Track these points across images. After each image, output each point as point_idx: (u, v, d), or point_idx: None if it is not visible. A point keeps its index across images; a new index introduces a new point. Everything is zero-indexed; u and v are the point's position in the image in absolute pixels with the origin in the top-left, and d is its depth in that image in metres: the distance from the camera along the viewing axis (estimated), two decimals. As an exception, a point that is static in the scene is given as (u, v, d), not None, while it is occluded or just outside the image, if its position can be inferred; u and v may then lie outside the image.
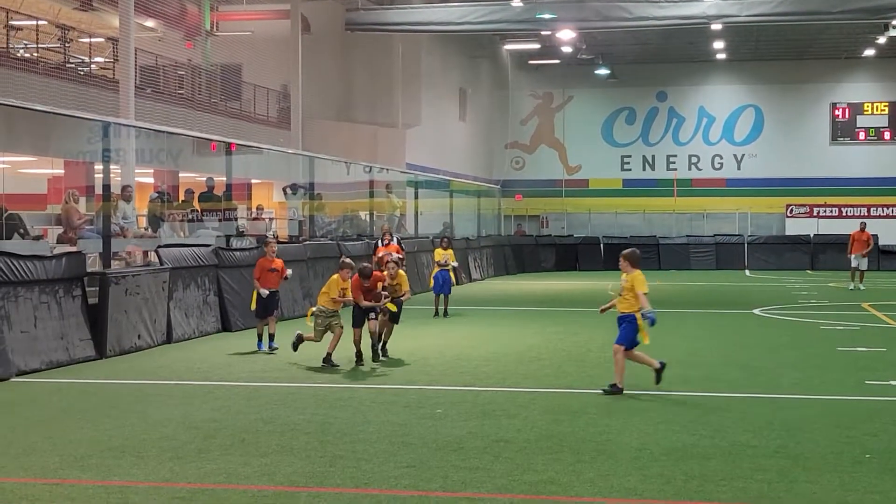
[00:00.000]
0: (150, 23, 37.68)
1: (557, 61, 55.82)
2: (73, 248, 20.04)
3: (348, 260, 17.43)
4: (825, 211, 55.13)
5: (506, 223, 57.63)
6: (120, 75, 30.37)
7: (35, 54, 30.70)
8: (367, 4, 44.31)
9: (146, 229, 26.06)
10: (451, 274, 25.83)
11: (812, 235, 51.67)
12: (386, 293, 17.00)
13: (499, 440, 10.78)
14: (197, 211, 28.13)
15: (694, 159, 59.50)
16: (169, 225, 27.11)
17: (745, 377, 15.50)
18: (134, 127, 26.28)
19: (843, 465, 9.81)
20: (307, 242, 27.83)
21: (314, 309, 17.19)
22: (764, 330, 22.67)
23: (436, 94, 49.02)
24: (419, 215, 40.43)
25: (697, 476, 9.35)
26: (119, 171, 27.74)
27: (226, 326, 21.95)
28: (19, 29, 30.80)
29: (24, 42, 30.88)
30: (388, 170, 38.62)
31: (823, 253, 49.61)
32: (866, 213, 52.12)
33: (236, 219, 27.46)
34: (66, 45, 31.88)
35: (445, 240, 26.83)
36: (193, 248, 22.14)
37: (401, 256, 22.14)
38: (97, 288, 17.94)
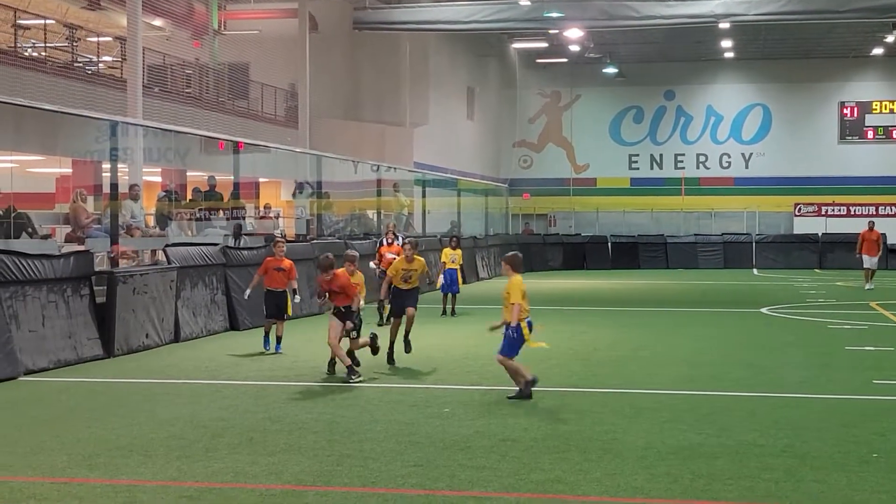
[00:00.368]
0: (157, 22, 37.68)
1: (565, 60, 55.81)
2: (81, 247, 20.07)
3: (351, 252, 16.72)
4: (833, 210, 55.08)
5: (513, 222, 57.61)
6: (128, 74, 30.39)
7: (43, 53, 30.72)
8: (374, 3, 44.33)
9: (154, 228, 26.08)
10: (459, 273, 25.84)
11: (820, 234, 51.64)
12: (355, 306, 15.39)
13: (506, 439, 10.79)
14: (205, 210, 28.17)
15: (702, 158, 59.44)
16: (177, 224, 27.15)
17: (752, 376, 15.49)
18: (142, 126, 26.31)
19: (851, 464, 9.80)
20: (314, 241, 27.84)
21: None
22: (771, 329, 22.66)
23: (443, 93, 49.03)
24: (427, 214, 40.41)
25: (704, 475, 9.34)
26: (127, 170, 27.78)
27: (233, 325, 21.98)
28: (27, 28, 30.80)
29: (32, 41, 30.89)
30: (395, 168, 38.61)
31: (831, 252, 49.58)
32: (874, 212, 52.11)
33: (244, 217, 27.50)
34: (74, 44, 31.89)
35: (454, 239, 26.82)
36: (201, 246, 22.17)
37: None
38: (105, 287, 17.97)
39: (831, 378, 15.36)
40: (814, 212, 55.37)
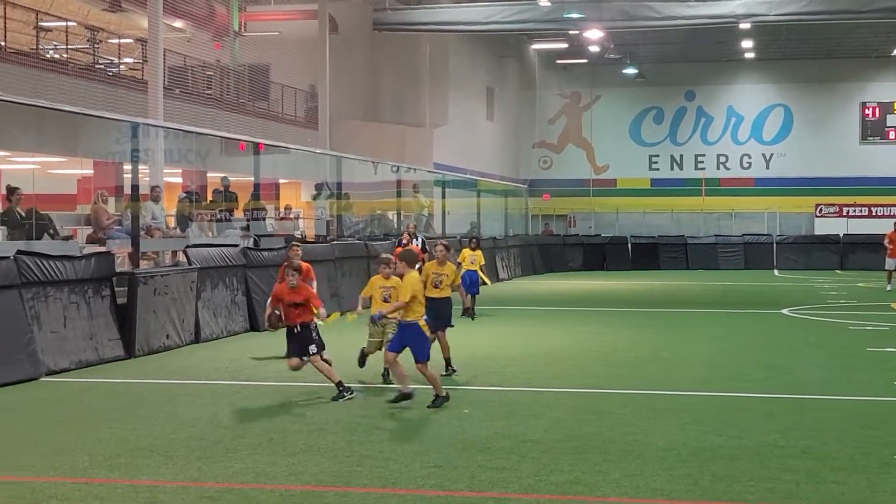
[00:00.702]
0: (178, 23, 37.83)
1: (585, 61, 55.75)
2: (102, 249, 20.14)
3: (385, 255, 15.00)
4: (855, 210, 54.87)
5: (533, 223, 57.54)
6: (149, 76, 30.51)
7: (64, 55, 30.86)
8: (394, 4, 44.38)
9: (174, 229, 26.15)
10: (480, 274, 25.79)
11: (841, 235, 51.38)
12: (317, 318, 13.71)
13: (525, 440, 10.78)
14: (225, 211, 28.25)
15: (722, 159, 59.29)
16: (197, 225, 27.23)
17: (773, 377, 15.44)
18: (162, 127, 26.40)
19: (871, 465, 9.76)
20: (335, 242, 27.88)
21: (356, 314, 15.08)
22: (792, 330, 22.58)
23: (463, 94, 49.04)
24: (446, 215, 40.42)
25: (725, 476, 9.32)
26: (148, 171, 27.88)
27: (254, 326, 22.00)
28: (49, 30, 30.97)
29: (54, 43, 31.05)
30: (415, 169, 38.63)
31: (853, 253, 49.35)
32: (896, 213, 51.94)
33: (264, 218, 27.54)
34: (95, 46, 32.03)
35: (474, 240, 26.78)
36: (221, 247, 22.22)
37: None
38: (126, 288, 18.04)
39: (852, 379, 15.30)
40: (835, 213, 55.15)
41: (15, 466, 9.80)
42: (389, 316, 13.57)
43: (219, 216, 28.17)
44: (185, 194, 28.95)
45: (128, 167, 22.14)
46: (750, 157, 58.98)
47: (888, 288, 33.86)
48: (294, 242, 20.00)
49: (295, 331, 13.45)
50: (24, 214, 20.71)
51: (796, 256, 50.77)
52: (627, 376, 15.53)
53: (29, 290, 15.75)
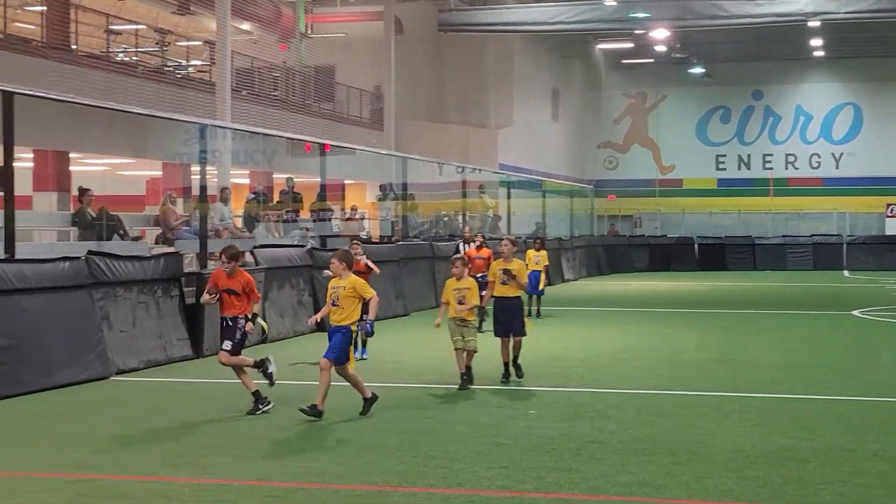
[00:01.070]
0: (245, 26, 38.17)
1: (651, 60, 55.48)
2: (171, 249, 20.32)
3: (457, 255, 14.84)
4: (926, 211, 54.15)
5: (598, 223, 57.33)
6: (216, 78, 30.80)
7: (134, 58, 31.23)
8: (459, 5, 44.43)
9: (242, 230, 26.35)
10: (543, 275, 25.68)
11: (913, 236, 50.73)
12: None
13: (592, 441, 10.72)
14: (293, 212, 28.41)
15: (791, 158, 58.74)
16: (264, 225, 27.41)
17: (843, 379, 15.26)
18: (230, 129, 26.60)
19: (946, 470, 9.61)
20: (399, 243, 27.93)
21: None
22: (862, 332, 22.29)
23: (528, 94, 48.97)
24: (512, 216, 40.38)
25: (795, 479, 9.20)
26: (215, 172, 28.11)
27: (321, 327, 22.01)
28: (118, 34, 31.35)
29: (124, 46, 31.42)
30: (480, 170, 38.62)
31: (925, 253, 48.68)
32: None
33: (330, 219, 27.68)
34: (164, 48, 32.39)
35: (538, 241, 26.69)
36: (288, 248, 22.32)
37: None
38: (194, 288, 18.17)
39: (925, 382, 15.08)
40: (906, 213, 54.46)
41: (83, 464, 9.90)
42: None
43: (285, 217, 28.35)
44: (252, 195, 29.17)
45: (196, 168, 22.35)
46: (819, 157, 58.37)
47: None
48: (354, 240, 20.09)
49: (226, 323, 12.57)
50: (94, 215, 20.98)
51: (866, 257, 50.08)
52: (694, 378, 15.41)
53: (99, 290, 15.93)
